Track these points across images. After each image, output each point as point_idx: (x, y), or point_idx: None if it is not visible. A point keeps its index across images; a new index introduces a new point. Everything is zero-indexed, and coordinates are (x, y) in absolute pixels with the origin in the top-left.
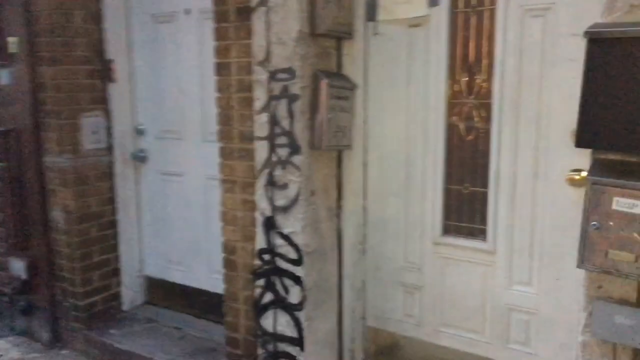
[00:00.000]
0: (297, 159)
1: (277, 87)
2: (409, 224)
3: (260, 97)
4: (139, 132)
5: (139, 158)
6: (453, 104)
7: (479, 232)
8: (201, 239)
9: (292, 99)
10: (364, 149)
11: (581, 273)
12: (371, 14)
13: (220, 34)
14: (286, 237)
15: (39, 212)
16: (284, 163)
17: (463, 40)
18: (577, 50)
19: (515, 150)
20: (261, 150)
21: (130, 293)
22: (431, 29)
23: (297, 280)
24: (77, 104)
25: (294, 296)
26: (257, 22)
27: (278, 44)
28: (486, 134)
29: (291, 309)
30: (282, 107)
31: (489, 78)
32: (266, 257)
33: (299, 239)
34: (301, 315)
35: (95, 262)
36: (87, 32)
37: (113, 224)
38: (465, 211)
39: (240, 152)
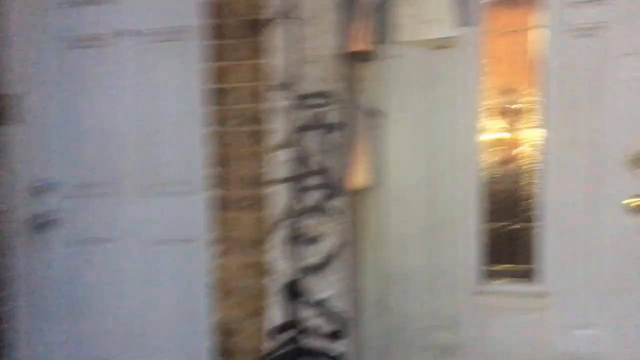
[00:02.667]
0: (335, 203)
1: (306, 116)
2: (438, 273)
3: (279, 128)
4: (46, 189)
5: (45, 224)
6: (494, 130)
7: (525, 274)
8: (143, 326)
9: (329, 128)
10: (380, 187)
11: None
12: (389, 34)
13: (213, 54)
14: (319, 305)
15: None
16: (316, 210)
17: (498, 63)
18: (633, 70)
19: (566, 178)
20: (280, 196)
21: None
22: (460, 51)
23: None
24: None
25: None
26: (275, 37)
27: (307, 62)
28: (530, 163)
29: None
30: (313, 140)
31: (532, 103)
32: (285, 335)
33: (337, 305)
34: None
35: None
36: None
37: (3, 318)
38: (508, 251)
39: (244, 201)
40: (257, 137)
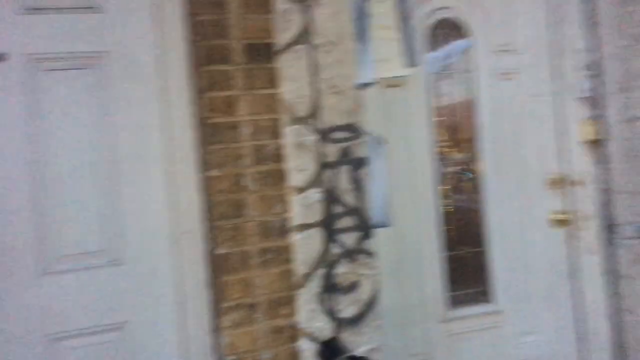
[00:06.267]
0: (370, 244)
1: (333, 151)
2: (406, 307)
3: (305, 166)
4: None
5: None
6: (442, 164)
7: (481, 295)
8: None
9: (358, 164)
10: None
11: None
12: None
13: (213, 82)
14: None
15: None
16: (352, 253)
17: (445, 102)
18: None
19: (502, 203)
20: (309, 244)
21: None
22: (410, 90)
23: None
24: None
25: None
26: (294, 64)
27: (331, 93)
28: (475, 191)
29: None
30: (342, 177)
31: (473, 137)
32: None
33: (377, 358)
34: None
35: None
36: None
37: None
38: (464, 276)
39: (264, 254)
40: (278, 177)
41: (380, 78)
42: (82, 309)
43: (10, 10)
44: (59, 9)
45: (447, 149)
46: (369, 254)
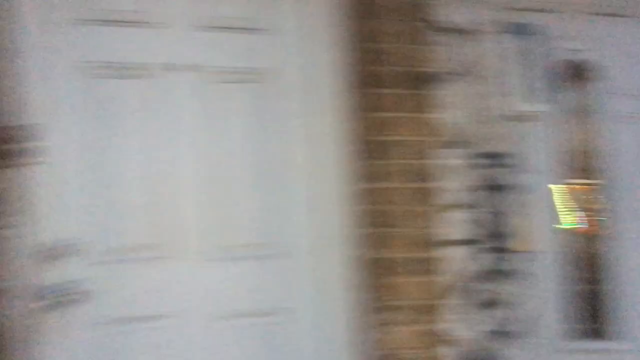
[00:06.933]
0: (517, 266)
1: (479, 176)
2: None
3: (451, 187)
4: (68, 253)
5: (68, 298)
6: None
7: (600, 332)
8: None
9: (504, 190)
10: None
11: None
12: None
13: (369, 104)
14: None
15: None
16: (495, 274)
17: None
18: None
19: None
20: (454, 258)
21: None
22: (536, 126)
23: None
24: None
25: None
26: (446, 93)
27: (482, 121)
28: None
29: None
30: (488, 201)
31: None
32: None
33: None
34: None
35: None
36: None
37: None
38: (585, 312)
39: (411, 263)
40: (425, 194)
41: (514, 111)
42: (241, 294)
43: (188, 26)
44: (229, 28)
45: (569, 188)
46: (516, 274)
